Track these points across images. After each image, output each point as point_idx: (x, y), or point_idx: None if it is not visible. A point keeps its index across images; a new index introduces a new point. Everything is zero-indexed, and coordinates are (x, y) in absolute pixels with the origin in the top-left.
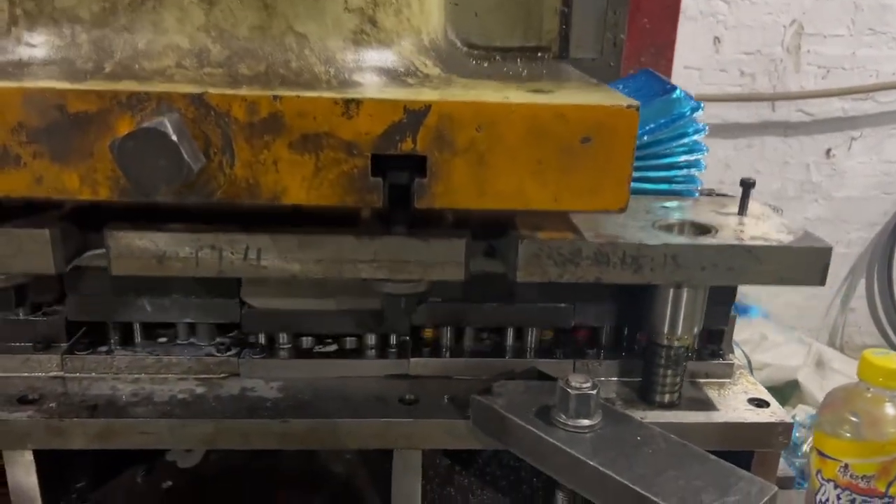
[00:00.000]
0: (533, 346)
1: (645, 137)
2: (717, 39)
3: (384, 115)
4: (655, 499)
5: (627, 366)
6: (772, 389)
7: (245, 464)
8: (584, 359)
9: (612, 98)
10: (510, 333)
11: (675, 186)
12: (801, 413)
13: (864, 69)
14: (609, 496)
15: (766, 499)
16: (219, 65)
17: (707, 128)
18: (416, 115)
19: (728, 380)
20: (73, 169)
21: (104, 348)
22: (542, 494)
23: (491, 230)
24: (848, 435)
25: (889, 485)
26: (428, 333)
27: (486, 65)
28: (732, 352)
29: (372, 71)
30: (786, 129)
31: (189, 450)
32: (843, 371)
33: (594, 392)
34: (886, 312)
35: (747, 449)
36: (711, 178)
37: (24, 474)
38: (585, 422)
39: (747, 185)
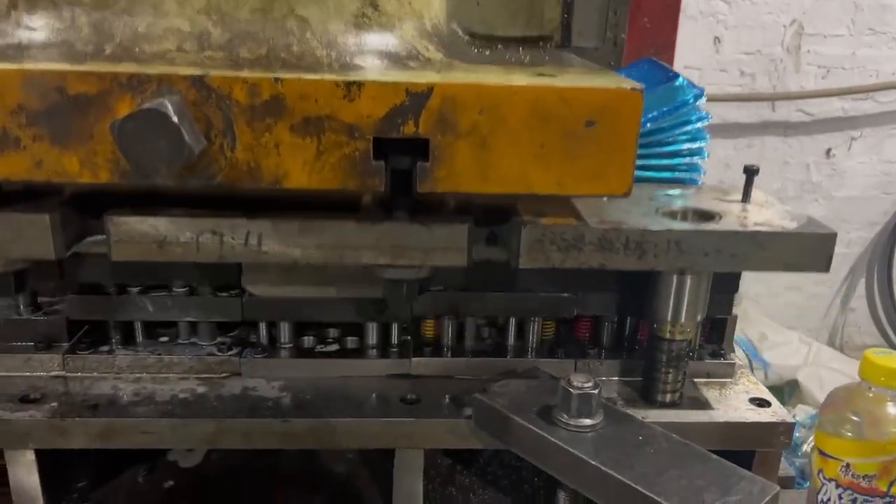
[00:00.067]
0: (534, 345)
1: (647, 125)
2: (717, 39)
3: (386, 97)
4: (657, 498)
5: (629, 365)
6: (772, 389)
7: (246, 463)
8: (586, 358)
9: (617, 81)
10: (511, 333)
11: (677, 175)
12: (801, 413)
13: (864, 69)
14: (611, 496)
15: (767, 498)
16: (219, 48)
17: (710, 115)
18: (418, 97)
19: (729, 379)
20: (73, 152)
21: (105, 348)
22: (544, 494)
23: (493, 216)
24: (849, 434)
25: (891, 484)
26: (429, 333)
27: (487, 52)
28: (733, 351)
29: (374, 54)
30: (786, 128)
31: (190, 449)
32: (843, 371)
33: (596, 392)
34: (886, 312)
35: (749, 448)
36: (711, 178)
37: (26, 474)
38: (587, 421)
39: (751, 172)
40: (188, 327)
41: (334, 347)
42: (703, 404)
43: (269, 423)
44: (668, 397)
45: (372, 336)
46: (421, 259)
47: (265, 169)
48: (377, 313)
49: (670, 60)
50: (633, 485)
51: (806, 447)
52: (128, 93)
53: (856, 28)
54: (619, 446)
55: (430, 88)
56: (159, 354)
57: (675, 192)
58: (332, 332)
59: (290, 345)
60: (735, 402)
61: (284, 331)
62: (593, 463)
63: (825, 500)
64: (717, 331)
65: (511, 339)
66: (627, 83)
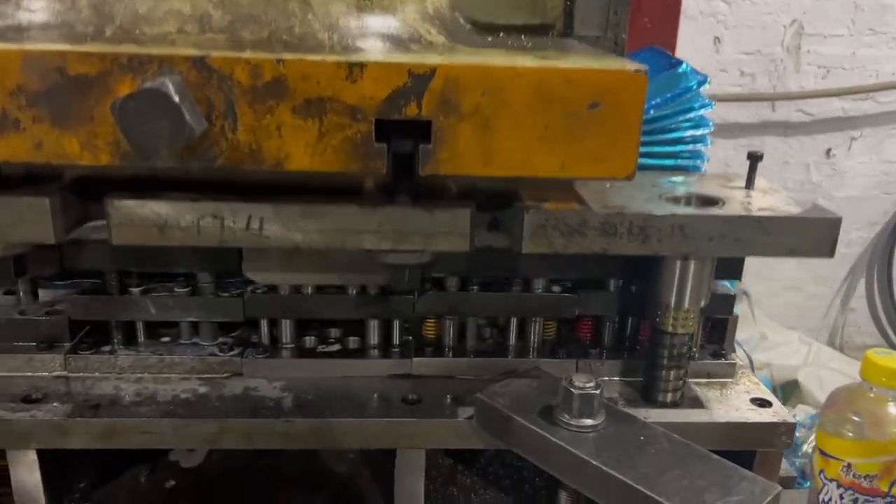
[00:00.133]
0: (536, 345)
1: (650, 112)
2: (717, 39)
3: (389, 78)
4: (659, 498)
5: (630, 366)
6: (771, 389)
7: (247, 463)
8: (587, 358)
9: (621, 63)
10: (513, 333)
11: (680, 162)
12: (801, 413)
13: (864, 69)
14: (612, 496)
15: (769, 498)
16: (221, 30)
17: (714, 103)
18: (421, 79)
19: (730, 379)
20: (73, 133)
21: (107, 348)
22: (545, 494)
23: (495, 202)
24: (850, 435)
25: (892, 484)
26: (430, 333)
27: (489, 39)
28: (734, 351)
29: (376, 37)
30: (786, 128)
31: (192, 449)
32: (843, 371)
33: (597, 392)
34: (886, 312)
35: (750, 449)
36: None
37: (28, 474)
38: (589, 421)
39: (755, 158)
40: (190, 327)
41: (336, 347)
42: (705, 404)
43: (270, 423)
44: (670, 397)
45: (373, 336)
46: (423, 244)
47: (267, 151)
48: (379, 309)
49: None
50: (635, 485)
51: (806, 447)
52: (128, 74)
53: (856, 28)
54: (621, 446)
55: (433, 70)
56: (161, 354)
57: (679, 178)
58: (334, 332)
59: (292, 345)
60: (736, 402)
61: (286, 331)
62: (595, 463)
63: (826, 500)
64: (717, 331)
65: (512, 339)
66: (632, 65)
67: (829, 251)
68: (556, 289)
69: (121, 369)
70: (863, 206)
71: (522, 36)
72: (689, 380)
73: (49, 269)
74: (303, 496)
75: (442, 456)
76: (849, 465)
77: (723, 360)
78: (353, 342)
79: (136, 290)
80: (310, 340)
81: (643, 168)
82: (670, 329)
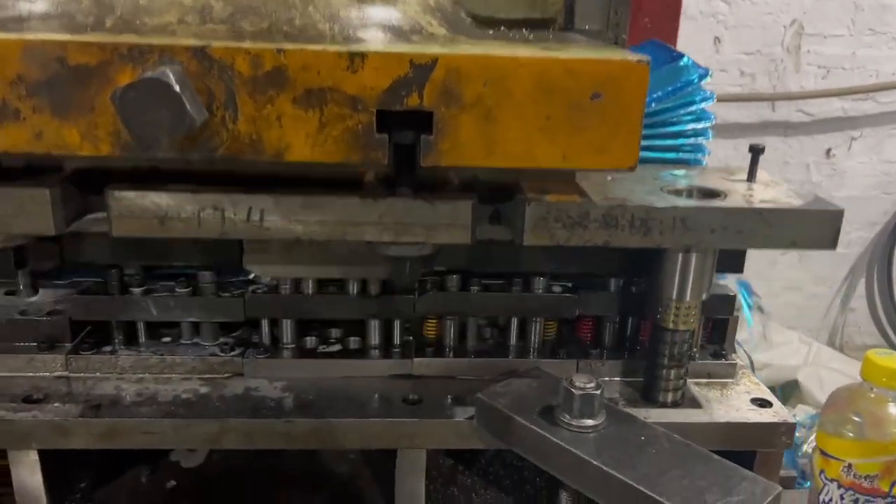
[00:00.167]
0: (536, 345)
1: (652, 105)
2: (717, 39)
3: (390, 69)
4: (659, 498)
5: (630, 366)
6: (771, 389)
7: (248, 464)
8: (588, 359)
9: (622, 54)
10: (513, 333)
11: (682, 155)
12: (801, 413)
13: (865, 69)
14: (613, 496)
15: (770, 499)
16: (221, 21)
17: (715, 95)
18: (422, 69)
19: (731, 380)
20: (74, 124)
21: (108, 348)
22: (546, 494)
23: (497, 194)
24: (851, 435)
25: (892, 485)
26: (431, 333)
27: (490, 32)
28: (735, 351)
29: (377, 28)
30: (786, 129)
31: (192, 450)
32: (843, 371)
33: (598, 392)
34: (886, 312)
35: (750, 449)
36: None
37: (29, 474)
38: (589, 422)
39: (756, 151)
40: (191, 327)
41: (336, 348)
42: (705, 404)
43: (271, 423)
44: (670, 397)
45: (374, 336)
46: (424, 236)
47: (267, 141)
48: (380, 309)
49: None
50: (636, 485)
51: (806, 447)
52: (129, 64)
53: (856, 28)
54: (621, 447)
55: (435, 60)
56: (162, 355)
57: (680, 171)
58: (335, 333)
59: (293, 345)
60: (736, 402)
61: (287, 331)
62: (595, 463)
63: (827, 500)
64: (718, 331)
65: (513, 340)
66: (633, 55)
67: (832, 243)
68: (556, 289)
69: (122, 369)
70: (863, 206)
71: (524, 30)
72: (690, 380)
73: (49, 263)
74: (303, 496)
75: (442, 456)
76: (849, 466)
77: (723, 361)
78: (353, 342)
79: (137, 290)
80: (311, 341)
81: (644, 161)
82: (671, 326)
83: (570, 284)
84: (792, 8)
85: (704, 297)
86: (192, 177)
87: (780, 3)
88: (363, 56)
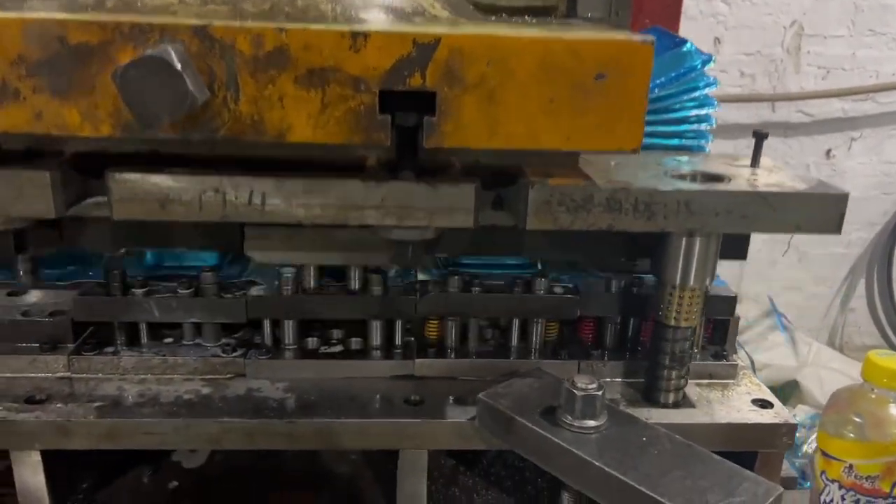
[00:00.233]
0: (537, 346)
1: (655, 91)
2: (717, 40)
3: (392, 48)
4: (661, 499)
5: (632, 367)
6: (771, 389)
7: (250, 464)
8: (589, 360)
9: (626, 35)
10: (515, 334)
11: (685, 142)
12: (801, 413)
13: (864, 70)
14: (615, 497)
15: (771, 499)
16: (223, 2)
17: (718, 81)
18: (425, 49)
19: (732, 380)
20: (74, 104)
21: (110, 349)
22: (547, 495)
23: (500, 179)
24: (852, 436)
25: (893, 485)
26: (433, 334)
27: (493, 18)
28: (735, 352)
29: (379, 9)
30: (786, 129)
31: (194, 450)
32: (843, 371)
33: (600, 393)
34: (886, 313)
35: (751, 450)
36: None
37: (32, 474)
38: (591, 423)
39: (760, 137)
40: (193, 328)
41: (338, 348)
42: (706, 405)
43: (273, 423)
44: (671, 397)
45: (376, 337)
46: (426, 219)
47: (269, 122)
48: (382, 310)
49: None
50: (637, 486)
51: (806, 447)
52: (129, 43)
53: (856, 29)
54: (623, 447)
55: (438, 39)
56: (164, 356)
57: (683, 158)
58: (336, 333)
59: (295, 346)
60: (737, 403)
61: (288, 332)
62: (597, 464)
63: (828, 501)
64: (719, 332)
65: (514, 341)
66: (638, 36)
67: (836, 227)
68: (557, 290)
69: (124, 370)
70: (863, 207)
71: (526, 17)
72: (691, 381)
73: (50, 248)
74: (305, 497)
75: (444, 457)
76: (850, 466)
77: (724, 362)
78: (355, 343)
79: (139, 291)
80: (312, 341)
81: (647, 148)
82: (673, 322)
83: (571, 285)
84: (792, 8)
85: (708, 282)
86: (192, 161)
87: (780, 4)
88: (366, 35)
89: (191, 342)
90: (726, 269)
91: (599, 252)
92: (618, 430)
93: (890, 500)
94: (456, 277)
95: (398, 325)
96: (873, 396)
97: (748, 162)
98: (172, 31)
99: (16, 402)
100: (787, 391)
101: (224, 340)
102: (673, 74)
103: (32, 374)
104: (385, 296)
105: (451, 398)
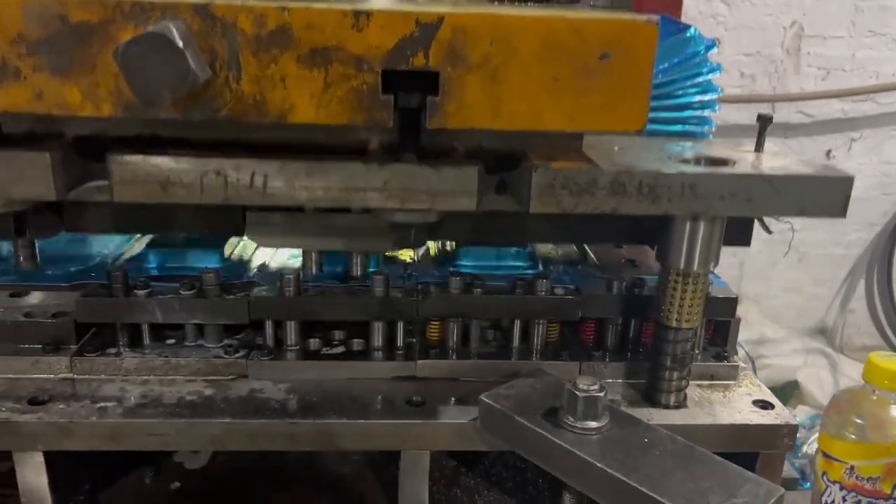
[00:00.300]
0: (539, 347)
1: (658, 77)
2: (717, 40)
3: (395, 27)
4: (663, 500)
5: (633, 368)
6: (771, 390)
7: (252, 465)
8: (591, 361)
9: (630, 14)
10: (516, 335)
11: (688, 128)
12: (801, 413)
13: (864, 70)
14: (616, 498)
15: (773, 501)
16: None
17: (722, 67)
18: (428, 28)
19: (732, 381)
20: (75, 83)
21: (113, 350)
22: (549, 496)
23: (503, 163)
24: (853, 437)
25: (895, 486)
26: (434, 335)
27: (495, 3)
28: (736, 353)
29: None
30: (786, 130)
31: (196, 451)
32: (843, 372)
33: (601, 394)
34: (886, 313)
35: (752, 451)
36: None
37: (35, 475)
38: (593, 424)
39: (764, 120)
40: (195, 329)
41: (340, 350)
42: (707, 406)
43: (275, 424)
44: (673, 398)
45: (377, 338)
46: (429, 202)
47: (271, 102)
48: (383, 311)
49: None
50: (639, 487)
51: (806, 448)
52: (130, 22)
53: (856, 29)
54: (625, 449)
55: (441, 19)
56: (166, 357)
57: (687, 143)
58: (338, 335)
59: (297, 347)
60: (739, 404)
61: (291, 333)
62: (599, 465)
63: (829, 502)
64: (720, 333)
65: (516, 342)
66: (642, 16)
67: (841, 210)
68: (559, 291)
69: (126, 371)
70: (863, 208)
71: (528, 4)
72: (692, 382)
73: (50, 232)
74: (307, 498)
75: (446, 458)
76: (852, 468)
77: (725, 363)
78: (357, 344)
79: (141, 292)
80: (314, 342)
81: (650, 135)
82: (674, 324)
83: (572, 286)
84: (792, 9)
85: (712, 266)
86: (193, 145)
87: (780, 5)
88: (368, 14)
89: (193, 343)
90: (726, 270)
91: (602, 239)
92: (619, 431)
93: (891, 502)
94: (457, 278)
95: (400, 326)
96: (874, 398)
97: (752, 147)
98: (174, 10)
99: (18, 404)
100: (787, 392)
101: (226, 341)
102: (676, 60)
103: (35, 375)
104: (387, 297)
105: (452, 399)
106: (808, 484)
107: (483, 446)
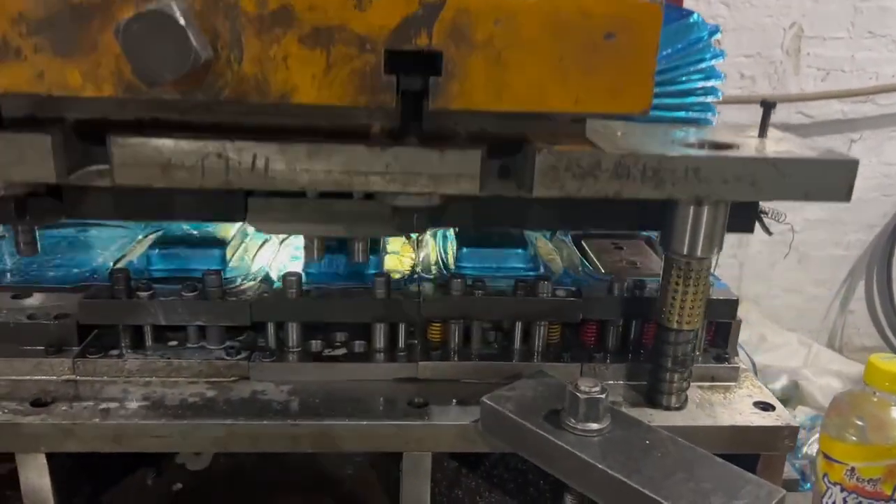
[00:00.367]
0: (540, 349)
1: (661, 63)
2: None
3: (398, 7)
4: (664, 502)
5: (634, 369)
6: (771, 391)
7: (254, 467)
8: (592, 362)
9: None
10: (518, 337)
11: (691, 114)
12: (801, 414)
13: (864, 71)
14: (618, 499)
15: (774, 502)
16: None
17: (725, 53)
18: (431, 7)
19: (733, 383)
20: (76, 63)
21: (115, 352)
22: (550, 497)
23: (506, 148)
24: (854, 439)
25: (895, 488)
26: (436, 337)
27: None
28: (737, 355)
29: None
30: (785, 131)
31: (198, 453)
32: (843, 372)
33: (603, 396)
34: (886, 314)
35: (753, 452)
36: None
37: (37, 476)
38: (594, 425)
39: (768, 106)
40: (197, 331)
41: (342, 351)
42: (709, 408)
43: (277, 426)
44: (674, 400)
45: (379, 340)
46: (432, 186)
47: (273, 83)
48: (385, 313)
49: None
50: (641, 488)
51: (806, 449)
52: (131, 1)
53: (855, 31)
54: (626, 450)
55: None
56: (168, 358)
57: (691, 129)
58: (340, 336)
59: (299, 349)
60: (740, 405)
61: (292, 334)
62: (600, 467)
63: (830, 503)
64: (720, 335)
65: (517, 343)
66: None
67: (846, 195)
68: (560, 293)
69: (129, 373)
70: (862, 209)
71: None
72: (693, 383)
73: (50, 217)
74: (308, 499)
75: (447, 459)
76: (852, 469)
77: (726, 364)
78: (359, 346)
79: (144, 294)
80: (316, 344)
81: (652, 121)
82: (675, 326)
83: (574, 288)
84: (792, 10)
85: (716, 252)
86: (195, 129)
87: (780, 6)
88: None
89: (195, 345)
90: (726, 271)
91: (604, 226)
92: (621, 432)
93: (892, 503)
94: (458, 280)
95: (401, 327)
96: (875, 400)
97: (756, 132)
98: None
99: (21, 405)
100: (787, 393)
101: (228, 343)
102: (679, 46)
103: (37, 377)
104: (388, 299)
105: (454, 401)
106: (809, 485)
107: (485, 448)
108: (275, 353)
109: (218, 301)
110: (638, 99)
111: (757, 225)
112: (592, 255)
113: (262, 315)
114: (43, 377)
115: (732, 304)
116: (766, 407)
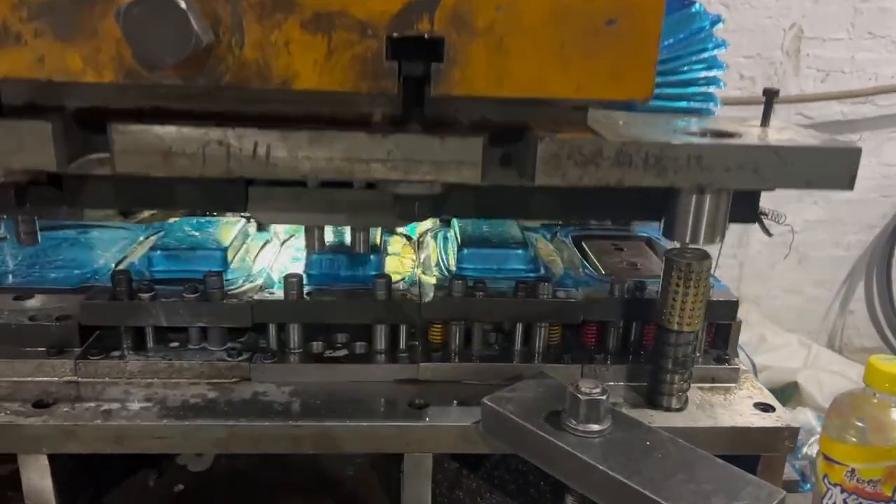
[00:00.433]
0: (541, 350)
1: (663, 52)
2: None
3: None
4: (665, 503)
5: (635, 370)
6: (771, 391)
7: (255, 468)
8: (592, 364)
9: None
10: (518, 338)
11: (693, 105)
12: (801, 415)
13: (864, 73)
14: (618, 500)
15: (774, 503)
16: None
17: (727, 43)
18: None
19: (734, 384)
20: (76, 49)
21: (117, 353)
22: (551, 498)
23: (507, 136)
24: (854, 440)
25: (895, 489)
26: (437, 338)
27: None
28: (737, 356)
29: None
30: None
31: (200, 454)
32: (843, 373)
33: (604, 397)
34: (885, 315)
35: (754, 453)
36: None
37: (39, 478)
38: (595, 427)
39: (770, 94)
40: (198, 332)
41: (343, 353)
42: (709, 409)
43: (278, 427)
44: (674, 401)
45: (380, 341)
46: (434, 174)
47: (274, 69)
48: (386, 314)
49: None
50: (641, 489)
51: (805, 449)
52: None
53: (855, 32)
54: (627, 451)
55: None
56: (170, 360)
57: (693, 119)
58: (341, 338)
59: (300, 350)
60: (740, 406)
61: (294, 336)
62: (601, 468)
63: None
64: (721, 336)
65: (518, 345)
66: None
67: (849, 183)
68: (561, 294)
69: (130, 374)
70: (862, 209)
71: None
72: (694, 384)
73: (51, 206)
74: (309, 500)
75: (448, 460)
76: (852, 471)
77: (726, 365)
78: (360, 347)
79: (145, 295)
80: (317, 345)
81: (654, 111)
82: (675, 327)
83: (574, 290)
84: (791, 11)
85: (718, 240)
86: (195, 117)
87: (780, 7)
88: None
89: (196, 346)
90: (726, 271)
91: (606, 215)
92: (621, 434)
93: None
94: (459, 282)
95: (402, 329)
96: (875, 401)
97: (758, 122)
98: None
99: (23, 407)
100: (787, 393)
101: (230, 344)
102: (681, 36)
103: (39, 379)
104: (389, 300)
105: (455, 402)
106: (809, 486)
107: (486, 449)
108: (276, 355)
109: (219, 302)
110: (640, 85)
111: (756, 226)
112: (593, 257)
113: (263, 316)
114: (44, 378)
115: (733, 306)
116: (766, 408)
